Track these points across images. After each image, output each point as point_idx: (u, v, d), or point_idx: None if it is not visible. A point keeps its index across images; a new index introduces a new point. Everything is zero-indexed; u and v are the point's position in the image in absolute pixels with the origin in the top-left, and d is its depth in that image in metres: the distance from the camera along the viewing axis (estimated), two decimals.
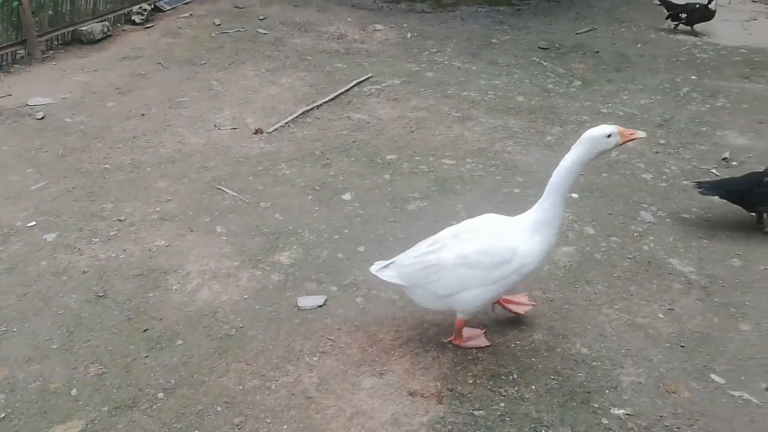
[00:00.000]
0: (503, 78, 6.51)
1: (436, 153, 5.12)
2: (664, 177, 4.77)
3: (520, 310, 3.39)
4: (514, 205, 4.40)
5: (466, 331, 3.22)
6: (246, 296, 3.61)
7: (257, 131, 5.45)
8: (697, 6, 7.29)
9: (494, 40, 7.54)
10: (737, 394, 2.98)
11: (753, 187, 4.06)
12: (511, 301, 3.41)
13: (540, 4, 8.92)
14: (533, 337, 3.32)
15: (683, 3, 7.55)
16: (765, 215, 4.12)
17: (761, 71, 6.54)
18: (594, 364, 3.15)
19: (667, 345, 3.27)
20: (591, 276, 3.76)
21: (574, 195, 4.55)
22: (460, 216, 4.29)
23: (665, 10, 7.66)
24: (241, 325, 3.40)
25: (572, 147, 2.86)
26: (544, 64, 6.84)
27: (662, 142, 5.26)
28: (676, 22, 7.47)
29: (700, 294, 3.63)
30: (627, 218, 4.30)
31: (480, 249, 2.91)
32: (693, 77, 6.46)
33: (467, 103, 5.99)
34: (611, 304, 3.56)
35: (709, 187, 4.16)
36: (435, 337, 3.32)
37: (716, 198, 4.21)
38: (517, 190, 4.61)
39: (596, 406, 2.92)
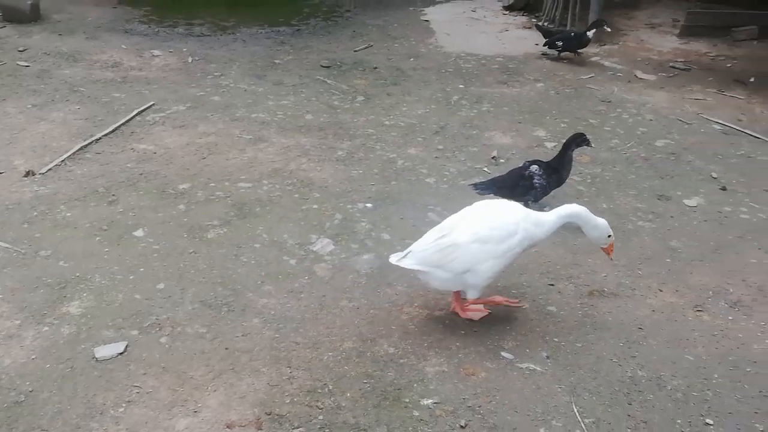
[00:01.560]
0: (290, 98, 6.63)
1: (231, 177, 5.07)
2: (445, 179, 5.20)
3: (476, 314, 3.63)
4: (314, 221, 4.53)
5: (474, 315, 3.59)
6: (33, 356, 3.28)
7: (28, 173, 4.96)
8: (573, 34, 7.82)
9: (278, 61, 7.64)
10: (524, 366, 3.36)
11: (517, 181, 4.60)
12: (468, 309, 3.65)
13: (318, 24, 9.22)
14: (344, 345, 3.44)
15: (559, 30, 8.15)
16: (530, 203, 4.67)
17: (516, 77, 7.40)
18: (401, 361, 3.35)
19: (463, 332, 3.58)
20: (392, 279, 3.98)
21: (368, 204, 4.78)
22: (263, 238, 4.31)
23: (542, 37, 8.11)
24: (30, 389, 3.08)
25: (593, 217, 3.53)
26: (329, 81, 7.09)
27: (440, 147, 5.73)
28: (555, 50, 7.82)
29: None
30: (417, 220, 4.62)
31: (490, 225, 3.36)
32: (461, 86, 7.11)
33: (257, 124, 6.01)
34: (411, 303, 3.80)
35: (484, 187, 4.62)
36: (248, 364, 3.29)
37: (492, 195, 4.69)
38: (315, 206, 4.73)
39: (407, 400, 3.11)
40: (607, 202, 4.89)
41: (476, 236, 3.34)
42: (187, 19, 8.91)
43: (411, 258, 3.42)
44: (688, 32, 8.63)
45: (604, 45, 8.35)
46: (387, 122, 6.20)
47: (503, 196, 4.54)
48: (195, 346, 3.39)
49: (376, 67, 7.58)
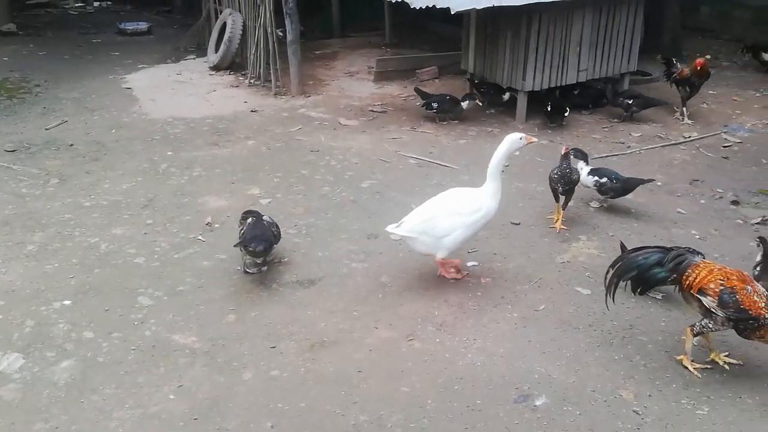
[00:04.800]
0: None
1: None
2: (156, 256, 4.89)
3: (456, 276, 4.60)
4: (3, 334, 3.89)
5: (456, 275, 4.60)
6: None
7: None
8: (448, 98, 7.82)
9: None
10: None
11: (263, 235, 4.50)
12: (448, 271, 4.62)
13: (2, 103, 8.23)
14: None
15: (437, 94, 8.07)
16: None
17: (227, 136, 7.35)
18: None
19: (182, 424, 3.31)
20: (97, 383, 3.57)
21: (66, 302, 4.28)
22: None
23: (420, 98, 8.02)
24: None
25: (499, 146, 4.34)
26: (14, 167, 6.31)
27: (149, 222, 5.39)
28: (433, 111, 7.75)
29: (205, 360, 3.80)
30: (126, 308, 4.24)
31: (462, 203, 4.38)
32: (169, 153, 6.84)
33: None
34: (122, 405, 3.43)
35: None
36: None
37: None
38: (0, 317, 4.08)
39: None
40: (322, 250, 5.01)
41: (452, 210, 4.34)
42: None
43: (404, 228, 4.33)
44: (381, 77, 9.44)
45: (310, 96, 8.74)
46: (87, 203, 5.68)
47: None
48: None
49: (72, 144, 6.96)
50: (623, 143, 7.06)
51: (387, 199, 5.88)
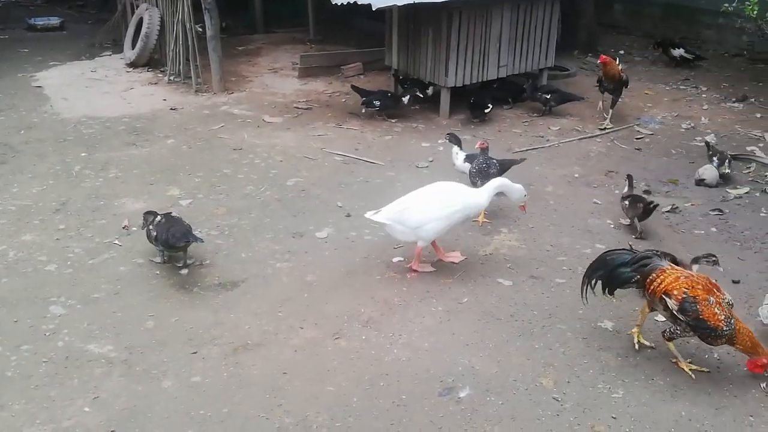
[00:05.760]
0: None
1: None
2: (69, 263, 4.67)
3: (455, 259, 4.79)
4: None
5: (423, 267, 4.70)
6: None
7: None
8: (389, 94, 7.77)
9: None
10: None
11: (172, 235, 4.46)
12: (448, 256, 4.80)
13: None
14: None
15: (376, 90, 7.94)
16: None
17: (145, 136, 7.09)
18: None
19: None
20: (5, 399, 3.38)
21: None
22: None
23: (360, 96, 7.83)
24: None
25: (510, 182, 4.59)
26: None
27: (61, 227, 5.14)
28: (373, 108, 7.61)
29: (122, 370, 3.66)
30: (36, 319, 4.04)
31: (437, 197, 4.54)
32: (83, 154, 6.54)
33: None
34: (33, 421, 3.26)
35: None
36: None
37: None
38: None
39: None
40: (246, 251, 4.91)
41: (424, 204, 4.49)
42: None
43: (381, 215, 4.51)
44: (305, 73, 9.33)
45: (232, 93, 8.55)
46: None
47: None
48: None
49: None
50: (542, 137, 7.25)
51: (312, 197, 5.82)
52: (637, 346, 3.87)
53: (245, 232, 5.20)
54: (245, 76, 9.34)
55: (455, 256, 4.83)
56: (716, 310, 3.49)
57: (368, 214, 4.56)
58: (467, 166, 5.57)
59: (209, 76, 8.61)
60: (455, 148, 5.75)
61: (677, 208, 5.65)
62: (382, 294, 4.42)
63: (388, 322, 4.13)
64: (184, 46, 8.66)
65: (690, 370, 3.69)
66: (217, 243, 5.00)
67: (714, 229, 5.33)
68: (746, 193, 5.99)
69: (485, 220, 5.36)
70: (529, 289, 4.49)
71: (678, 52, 9.80)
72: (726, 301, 3.57)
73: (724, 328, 3.48)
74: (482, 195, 4.58)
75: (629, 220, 5.25)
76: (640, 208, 5.10)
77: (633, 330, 3.93)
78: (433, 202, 4.52)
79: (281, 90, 8.84)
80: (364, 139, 7.22)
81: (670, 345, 3.74)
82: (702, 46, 10.59)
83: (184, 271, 4.55)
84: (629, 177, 5.50)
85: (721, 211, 5.61)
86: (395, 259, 4.83)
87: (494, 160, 5.47)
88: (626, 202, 5.24)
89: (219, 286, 4.46)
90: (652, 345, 3.90)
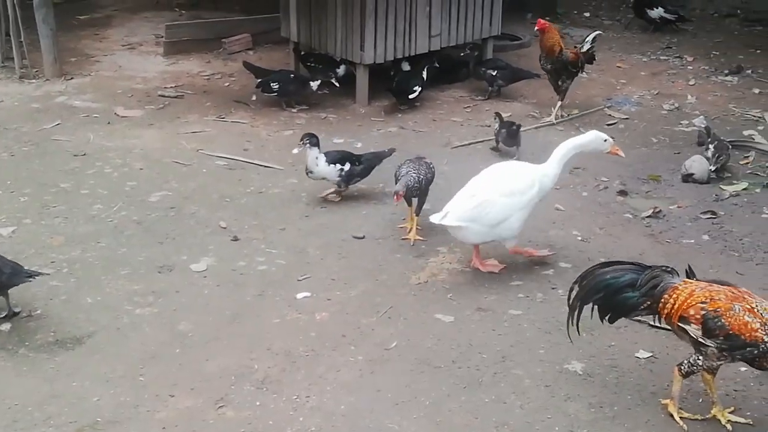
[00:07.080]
0: None
1: None
2: None
3: (542, 253, 5.22)
4: None
5: (493, 267, 5.10)
6: None
7: None
8: (292, 76, 7.94)
9: None
10: None
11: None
12: (531, 254, 5.19)
13: None
14: None
15: (278, 69, 8.12)
16: None
17: None
18: None
19: None
20: None
21: None
22: None
23: (254, 77, 7.95)
24: None
25: (579, 136, 5.17)
26: None
27: None
28: (273, 94, 7.82)
29: None
30: None
31: (513, 181, 4.91)
32: None
33: None
34: None
35: None
36: None
37: None
38: None
39: None
40: (93, 294, 4.80)
41: (504, 192, 4.81)
42: None
43: (450, 217, 4.73)
44: (174, 50, 9.27)
45: (72, 79, 8.39)
46: None
47: None
48: None
49: None
50: (489, 126, 7.43)
51: (186, 217, 5.77)
52: (729, 427, 3.71)
53: (92, 268, 5.10)
54: (90, 54, 9.23)
55: (494, 265, 5.11)
56: (747, 318, 3.45)
57: (434, 218, 4.83)
58: (332, 169, 5.82)
59: (39, 57, 8.45)
60: (314, 151, 5.78)
61: (660, 211, 5.91)
62: (282, 343, 4.40)
63: (291, 381, 4.11)
64: (3, 17, 8.46)
65: (728, 422, 3.67)
66: (51, 285, 4.87)
67: (706, 237, 5.61)
68: (744, 189, 6.33)
69: (418, 237, 5.43)
70: (476, 325, 4.57)
71: (656, 12, 10.29)
72: (761, 305, 3.50)
73: (766, 339, 3.43)
74: (549, 171, 4.97)
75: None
76: (504, 133, 6.74)
77: (712, 412, 3.77)
78: (512, 186, 4.88)
79: (141, 73, 8.80)
80: (255, 136, 7.23)
81: (680, 382, 3.70)
82: (686, 5, 11.14)
83: (5, 326, 4.40)
84: (498, 114, 7.03)
85: (714, 213, 5.91)
86: (300, 295, 4.84)
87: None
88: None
89: (55, 344, 4.34)
90: (749, 422, 3.75)
